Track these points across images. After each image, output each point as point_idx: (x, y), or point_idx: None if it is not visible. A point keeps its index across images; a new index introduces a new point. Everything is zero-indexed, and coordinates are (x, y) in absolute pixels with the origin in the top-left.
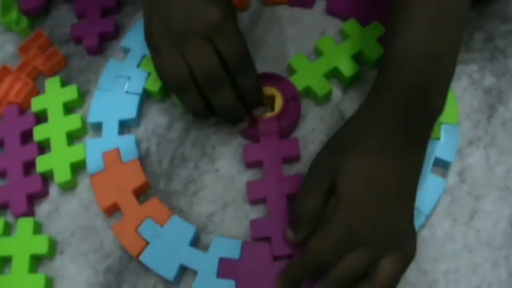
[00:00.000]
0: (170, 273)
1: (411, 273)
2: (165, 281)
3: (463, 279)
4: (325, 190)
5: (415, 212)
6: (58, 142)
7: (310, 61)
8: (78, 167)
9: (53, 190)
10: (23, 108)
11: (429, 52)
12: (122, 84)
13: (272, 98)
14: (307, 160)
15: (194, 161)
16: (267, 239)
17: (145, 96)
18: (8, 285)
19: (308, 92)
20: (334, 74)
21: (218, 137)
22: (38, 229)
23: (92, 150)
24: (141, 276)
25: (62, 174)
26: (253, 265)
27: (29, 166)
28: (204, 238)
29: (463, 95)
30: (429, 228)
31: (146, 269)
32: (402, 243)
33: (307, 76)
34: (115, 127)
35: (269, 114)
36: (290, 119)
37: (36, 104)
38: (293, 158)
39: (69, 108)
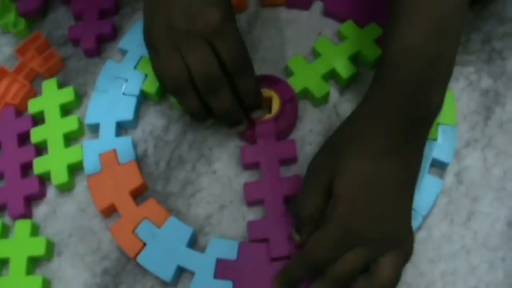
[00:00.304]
0: (167, 274)
1: (408, 274)
2: (162, 282)
3: (460, 280)
4: (324, 190)
5: (412, 212)
6: (55, 143)
7: (307, 62)
8: (75, 169)
9: (51, 192)
10: (20, 110)
11: (428, 51)
12: (119, 85)
13: (269, 100)
14: (304, 162)
15: (191, 162)
16: (264, 241)
17: (142, 98)
18: (5, 287)
19: (306, 94)
20: (331, 75)
21: (215, 139)
22: (35, 231)
23: (89, 152)
24: (139, 278)
25: (59, 176)
26: (250, 266)
27: (26, 168)
28: (202, 239)
29: (460, 96)
30: (426, 229)
31: (143, 271)
32: (400, 242)
33: (305, 77)
34: (112, 129)
35: (266, 116)
36: (287, 121)
37: (33, 106)
38: (290, 160)
39: (66, 110)
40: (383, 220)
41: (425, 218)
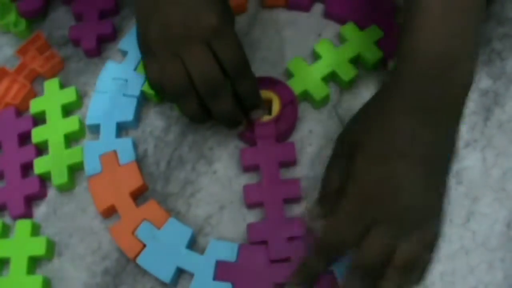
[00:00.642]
0: (166, 275)
1: None
2: (162, 283)
3: (460, 281)
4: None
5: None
6: (56, 144)
7: (307, 64)
8: (75, 169)
9: (51, 192)
10: (20, 110)
11: (451, 27)
12: (119, 86)
13: (269, 102)
14: (304, 163)
15: (192, 163)
16: (264, 243)
17: (143, 99)
18: (6, 286)
19: (306, 96)
20: (332, 77)
21: (215, 139)
22: (36, 230)
23: (90, 153)
24: (138, 278)
25: (59, 176)
26: (250, 268)
27: (26, 168)
28: (201, 240)
29: None
30: None
31: (143, 271)
32: (422, 222)
33: (305, 80)
34: (113, 130)
35: (266, 118)
36: (287, 123)
37: (35, 106)
38: (290, 162)
39: (67, 110)
40: (400, 197)
41: None
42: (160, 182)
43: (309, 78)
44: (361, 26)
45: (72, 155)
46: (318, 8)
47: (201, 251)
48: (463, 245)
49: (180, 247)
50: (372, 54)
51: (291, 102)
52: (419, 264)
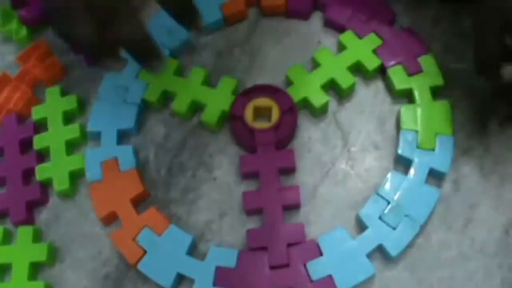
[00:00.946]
0: (167, 281)
1: (406, 281)
2: None
3: (458, 287)
4: None
5: (408, 221)
6: (57, 151)
7: (307, 72)
8: (76, 176)
9: (53, 198)
10: (22, 117)
11: None
12: (120, 94)
13: (268, 110)
14: (304, 169)
15: (192, 170)
16: (263, 249)
17: (144, 106)
18: None
19: (305, 103)
20: (331, 85)
21: (215, 147)
22: (37, 237)
23: (91, 159)
24: (139, 284)
25: (61, 183)
26: (249, 274)
27: (28, 175)
28: (202, 246)
29: (457, 104)
30: (425, 236)
31: (144, 277)
32: None
33: (304, 87)
34: (114, 137)
35: (265, 125)
36: (287, 130)
37: (37, 113)
38: (289, 169)
39: (68, 117)
40: None
41: (422, 226)
42: (161, 189)
43: (308, 85)
44: (360, 34)
45: (73, 162)
46: (317, 16)
47: (202, 257)
48: (461, 251)
49: (180, 253)
50: (371, 62)
51: (290, 110)
52: None
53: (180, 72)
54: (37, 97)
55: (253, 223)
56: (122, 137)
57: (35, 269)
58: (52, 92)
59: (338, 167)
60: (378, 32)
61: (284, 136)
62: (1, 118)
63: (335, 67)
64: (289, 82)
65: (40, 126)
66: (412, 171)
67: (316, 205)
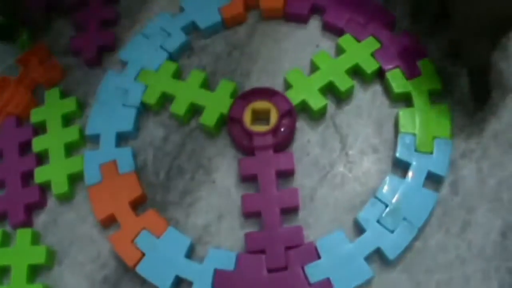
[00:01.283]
0: (165, 284)
1: (404, 284)
2: None
3: None
4: None
5: (406, 224)
6: (56, 153)
7: (305, 76)
8: (75, 179)
9: (51, 201)
10: (21, 119)
11: None
12: (119, 96)
13: (267, 113)
14: (302, 172)
15: (190, 173)
16: (262, 252)
17: (142, 109)
18: None
19: (304, 106)
20: (329, 88)
21: (213, 150)
22: (36, 239)
23: (90, 162)
24: (138, 287)
25: (59, 186)
26: (247, 276)
27: (27, 177)
28: (200, 249)
29: (455, 108)
30: (422, 239)
31: (142, 280)
32: None
33: (303, 90)
34: (112, 139)
35: (264, 128)
36: (285, 133)
37: (35, 115)
38: (288, 172)
39: (67, 120)
40: None
41: (420, 229)
42: (159, 192)
43: (307, 88)
44: (359, 38)
45: (72, 165)
46: (316, 19)
47: (200, 259)
48: (459, 254)
49: (179, 256)
50: (369, 65)
51: (289, 113)
52: None
53: (178, 75)
54: (37, 100)
55: (251, 226)
56: (121, 139)
57: (34, 272)
58: (51, 94)
59: (336, 170)
60: (377, 36)
61: (282, 139)
62: (1, 121)
63: (333, 70)
64: (287, 85)
65: (40, 129)
66: (410, 174)
67: (314, 208)
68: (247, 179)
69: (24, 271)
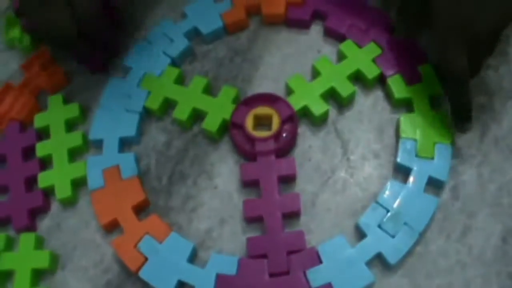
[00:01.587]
0: None
1: None
2: None
3: None
4: None
5: (407, 229)
6: (59, 158)
7: (307, 81)
8: (79, 184)
9: (55, 206)
10: (25, 125)
11: None
12: (122, 102)
13: (269, 118)
14: (304, 177)
15: (193, 178)
16: (264, 257)
17: (145, 114)
18: None
19: (305, 112)
20: (331, 94)
21: (215, 155)
22: (39, 244)
23: (93, 167)
24: None
25: (63, 190)
26: (249, 281)
27: (31, 182)
28: (202, 253)
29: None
30: (423, 244)
31: (145, 284)
32: None
33: (304, 96)
34: (115, 145)
35: (266, 134)
36: (287, 138)
37: (39, 120)
38: (290, 177)
39: (71, 125)
40: None
41: (421, 234)
42: (162, 197)
43: (308, 94)
44: (360, 44)
45: (75, 170)
46: (317, 25)
47: (202, 264)
48: (459, 259)
49: (181, 260)
50: (370, 71)
51: (290, 118)
52: None
53: (181, 80)
54: (40, 105)
55: (253, 230)
56: (124, 144)
57: (37, 276)
58: (55, 100)
59: (337, 176)
60: (378, 42)
61: (284, 144)
62: (5, 126)
63: (335, 76)
64: (289, 91)
65: (43, 134)
66: (411, 179)
67: (315, 213)
68: (249, 184)
69: (27, 275)
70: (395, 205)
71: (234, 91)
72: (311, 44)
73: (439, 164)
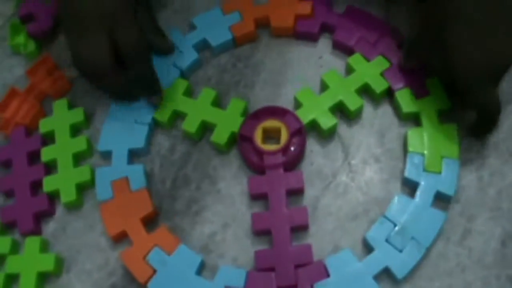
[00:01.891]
0: None
1: None
2: None
3: None
4: None
5: (415, 243)
6: (64, 163)
7: (316, 95)
8: (83, 188)
9: (60, 210)
10: (30, 130)
11: None
12: (131, 113)
13: (277, 131)
14: (306, 182)
15: (196, 182)
16: (271, 270)
17: (153, 125)
18: None
19: (313, 125)
20: (339, 107)
21: (219, 160)
22: (45, 247)
23: (102, 178)
24: None
25: (67, 194)
26: None
27: (36, 186)
28: (206, 257)
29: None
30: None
31: None
32: None
33: (313, 109)
34: (124, 156)
35: (274, 147)
36: (295, 152)
37: (44, 125)
38: (298, 191)
39: (75, 130)
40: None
41: (428, 249)
42: (166, 201)
43: (317, 108)
44: (368, 57)
45: (80, 174)
46: (326, 38)
47: (208, 272)
48: (459, 262)
49: (189, 273)
50: (378, 85)
51: (299, 131)
52: None
53: (189, 92)
54: (45, 110)
55: (258, 239)
56: (132, 155)
57: (42, 279)
58: (59, 105)
59: (339, 180)
60: (386, 55)
61: (292, 158)
62: (10, 131)
63: (343, 89)
64: (298, 104)
65: (48, 139)
66: (418, 193)
67: (317, 217)
68: (257, 197)
69: (33, 279)
70: (403, 219)
71: (242, 104)
72: (320, 57)
73: (446, 178)
